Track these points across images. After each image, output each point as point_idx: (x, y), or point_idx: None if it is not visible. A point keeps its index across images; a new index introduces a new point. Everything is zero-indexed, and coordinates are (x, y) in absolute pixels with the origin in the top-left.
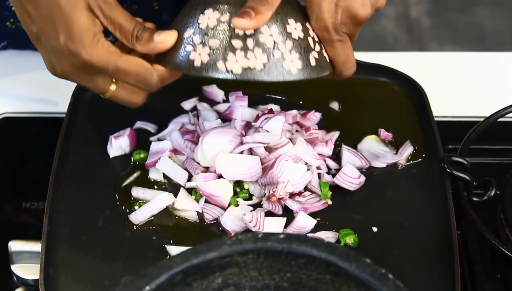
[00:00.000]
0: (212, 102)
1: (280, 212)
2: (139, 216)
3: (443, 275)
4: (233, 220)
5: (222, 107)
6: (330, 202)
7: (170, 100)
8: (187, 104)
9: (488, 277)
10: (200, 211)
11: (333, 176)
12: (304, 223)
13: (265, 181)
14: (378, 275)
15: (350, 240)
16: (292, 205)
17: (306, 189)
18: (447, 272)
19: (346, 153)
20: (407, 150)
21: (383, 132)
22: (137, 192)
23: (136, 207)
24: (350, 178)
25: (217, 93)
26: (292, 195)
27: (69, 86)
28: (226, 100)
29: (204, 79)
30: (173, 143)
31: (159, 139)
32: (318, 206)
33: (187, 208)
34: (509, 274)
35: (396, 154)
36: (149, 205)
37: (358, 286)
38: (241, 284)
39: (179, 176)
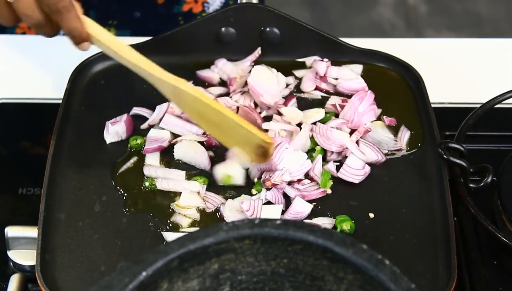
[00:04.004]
0: (207, 86)
1: (281, 202)
2: (164, 183)
3: (440, 260)
4: (233, 213)
5: (217, 90)
6: (329, 191)
7: None
8: None
9: (484, 263)
10: (203, 207)
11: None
12: (300, 209)
13: (263, 166)
14: (374, 261)
15: (346, 226)
16: (290, 191)
17: (307, 176)
18: (443, 258)
19: (363, 145)
20: (405, 134)
21: (387, 118)
22: (149, 171)
23: (147, 183)
24: (354, 170)
25: (212, 76)
26: (291, 182)
27: (66, 72)
28: (222, 84)
29: (198, 64)
30: (169, 126)
31: (149, 126)
32: (316, 194)
33: (190, 204)
34: (505, 259)
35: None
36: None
37: (355, 272)
38: (237, 270)
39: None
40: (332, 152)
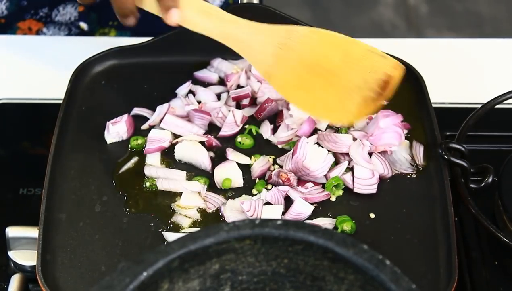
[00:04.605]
0: (206, 85)
1: (281, 203)
2: (165, 184)
3: (440, 261)
4: (234, 213)
5: (217, 89)
6: (333, 199)
7: (167, 87)
8: (182, 90)
9: (485, 263)
10: (204, 207)
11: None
12: (301, 210)
13: (291, 167)
14: (375, 261)
15: (347, 226)
16: (293, 194)
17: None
18: (444, 258)
19: (374, 157)
20: (420, 150)
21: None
22: (150, 171)
23: (147, 184)
24: (366, 180)
25: (211, 76)
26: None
27: (67, 73)
28: (221, 83)
29: (199, 65)
30: (170, 127)
31: (150, 126)
32: (320, 197)
33: (191, 204)
34: (505, 260)
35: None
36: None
37: (355, 272)
38: (238, 270)
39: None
40: (343, 155)
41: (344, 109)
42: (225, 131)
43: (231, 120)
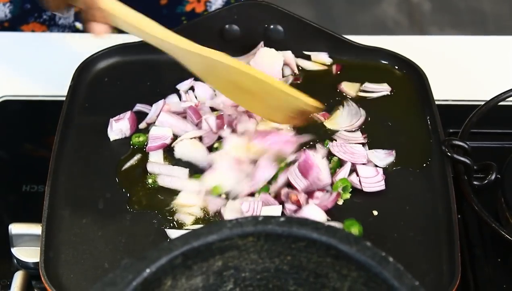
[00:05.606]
0: None
1: (279, 204)
2: (166, 180)
3: (443, 258)
4: (233, 214)
5: None
6: (340, 202)
7: (170, 84)
8: (183, 86)
9: (488, 261)
10: (203, 204)
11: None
12: (312, 216)
13: (305, 184)
14: (378, 258)
15: (355, 230)
16: (307, 213)
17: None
18: (447, 256)
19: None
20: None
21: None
22: (153, 168)
23: (150, 181)
24: (372, 178)
25: None
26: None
27: (70, 69)
28: None
29: None
30: (165, 125)
31: (147, 124)
32: (330, 202)
33: (191, 203)
34: (509, 257)
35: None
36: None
37: (358, 269)
38: (241, 267)
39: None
40: (353, 164)
41: (272, 115)
42: (207, 142)
43: (207, 128)
